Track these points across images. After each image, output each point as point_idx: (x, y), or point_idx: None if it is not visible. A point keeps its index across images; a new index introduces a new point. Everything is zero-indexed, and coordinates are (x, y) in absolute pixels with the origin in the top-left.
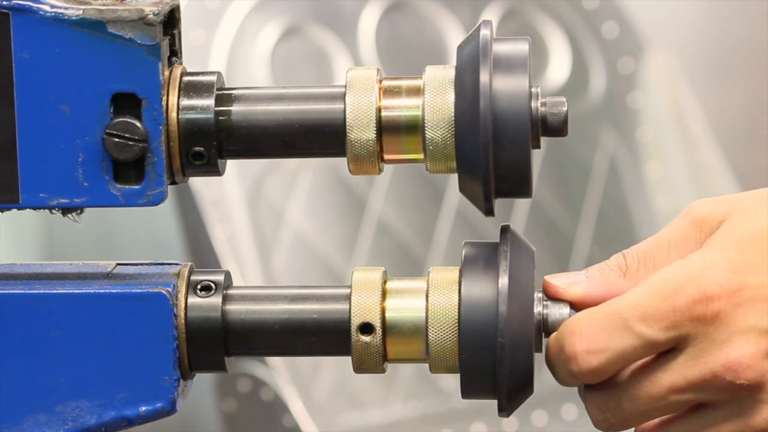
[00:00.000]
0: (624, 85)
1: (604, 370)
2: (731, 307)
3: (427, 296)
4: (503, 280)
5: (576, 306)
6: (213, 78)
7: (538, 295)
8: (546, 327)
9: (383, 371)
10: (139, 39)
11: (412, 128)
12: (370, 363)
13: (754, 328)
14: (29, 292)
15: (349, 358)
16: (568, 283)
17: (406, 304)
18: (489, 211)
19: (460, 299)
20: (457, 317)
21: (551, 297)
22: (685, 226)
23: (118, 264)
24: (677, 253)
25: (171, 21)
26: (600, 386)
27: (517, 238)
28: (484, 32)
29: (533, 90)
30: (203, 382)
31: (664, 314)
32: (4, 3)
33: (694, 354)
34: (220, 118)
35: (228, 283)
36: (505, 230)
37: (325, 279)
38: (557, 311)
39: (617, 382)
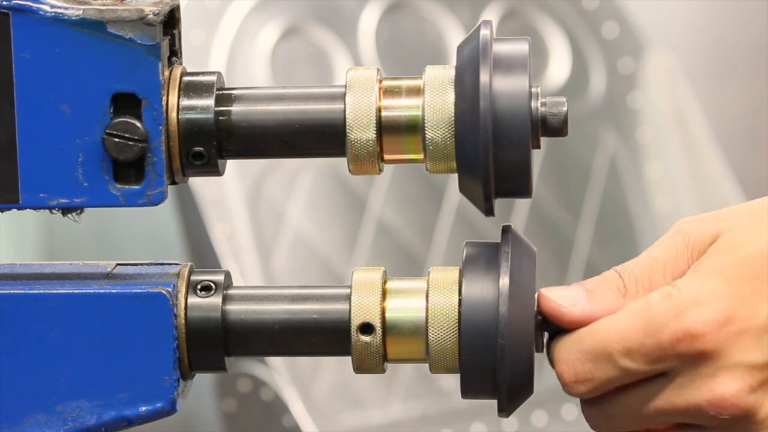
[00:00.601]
0: (624, 85)
1: (591, 395)
2: (717, 342)
3: (427, 296)
4: (504, 281)
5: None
6: (213, 78)
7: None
8: (549, 327)
9: (383, 371)
10: (139, 39)
11: (412, 128)
12: (370, 363)
13: (741, 364)
14: (29, 292)
15: (349, 358)
16: (569, 303)
17: (406, 304)
18: (489, 211)
19: (460, 299)
20: (457, 317)
21: (549, 315)
22: (677, 246)
23: (118, 264)
24: (671, 275)
25: (171, 21)
26: (593, 401)
27: (518, 238)
28: (484, 32)
29: (533, 90)
30: (203, 382)
31: (648, 350)
32: (4, 3)
33: (680, 385)
34: (220, 118)
35: (228, 283)
36: (506, 230)
37: (325, 279)
38: None
39: (609, 400)
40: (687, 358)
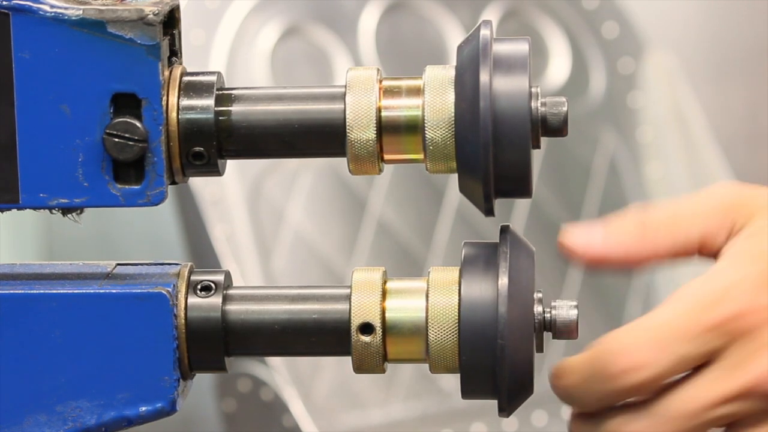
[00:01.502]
0: (624, 85)
1: (646, 387)
2: (763, 321)
3: (427, 296)
4: (503, 281)
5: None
6: (213, 78)
7: (538, 295)
8: (555, 327)
9: (383, 371)
10: (139, 39)
11: (412, 128)
12: (370, 363)
13: None
14: (29, 292)
15: (349, 358)
16: (584, 245)
17: (406, 304)
18: (489, 211)
19: (460, 300)
20: (457, 317)
21: (567, 255)
22: (711, 204)
23: (118, 264)
24: (698, 230)
25: (171, 21)
26: (630, 409)
27: (516, 238)
28: (484, 32)
29: (533, 90)
30: (203, 382)
31: (702, 329)
32: (4, 3)
33: (729, 366)
34: (220, 118)
35: (228, 283)
36: (504, 230)
37: (325, 279)
38: (566, 312)
39: (650, 404)
40: (736, 336)
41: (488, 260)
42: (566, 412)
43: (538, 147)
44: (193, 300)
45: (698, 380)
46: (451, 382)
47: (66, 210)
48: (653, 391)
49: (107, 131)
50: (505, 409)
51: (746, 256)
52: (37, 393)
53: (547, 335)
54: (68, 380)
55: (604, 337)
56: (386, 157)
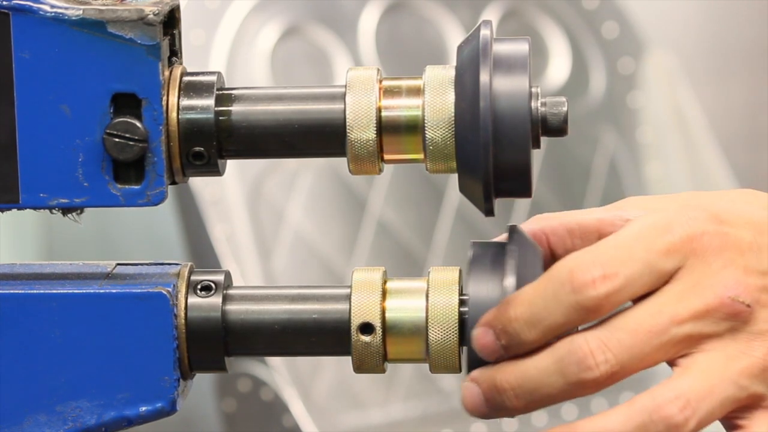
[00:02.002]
0: (624, 85)
1: (613, 299)
2: (714, 245)
3: (427, 296)
4: (510, 280)
5: None
6: (213, 78)
7: None
8: None
9: (383, 371)
10: (139, 39)
11: (412, 128)
12: (370, 363)
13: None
14: (29, 292)
15: (349, 358)
16: None
17: (406, 304)
18: (489, 211)
19: (460, 299)
20: (457, 317)
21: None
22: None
23: (118, 264)
24: (593, 214)
25: (171, 21)
26: (591, 328)
27: (524, 238)
28: (484, 32)
29: (533, 90)
30: (203, 382)
31: (658, 250)
32: (4, 3)
33: (690, 285)
34: (220, 118)
35: (228, 283)
36: (513, 230)
37: (325, 279)
38: None
39: (617, 320)
40: (692, 258)
41: (496, 260)
42: (566, 412)
43: (538, 147)
44: (193, 300)
45: (663, 296)
46: (451, 382)
47: (66, 210)
48: (614, 309)
49: (107, 131)
50: None
51: (665, 211)
52: (37, 393)
53: None
54: (68, 380)
55: (570, 255)
56: (386, 157)
